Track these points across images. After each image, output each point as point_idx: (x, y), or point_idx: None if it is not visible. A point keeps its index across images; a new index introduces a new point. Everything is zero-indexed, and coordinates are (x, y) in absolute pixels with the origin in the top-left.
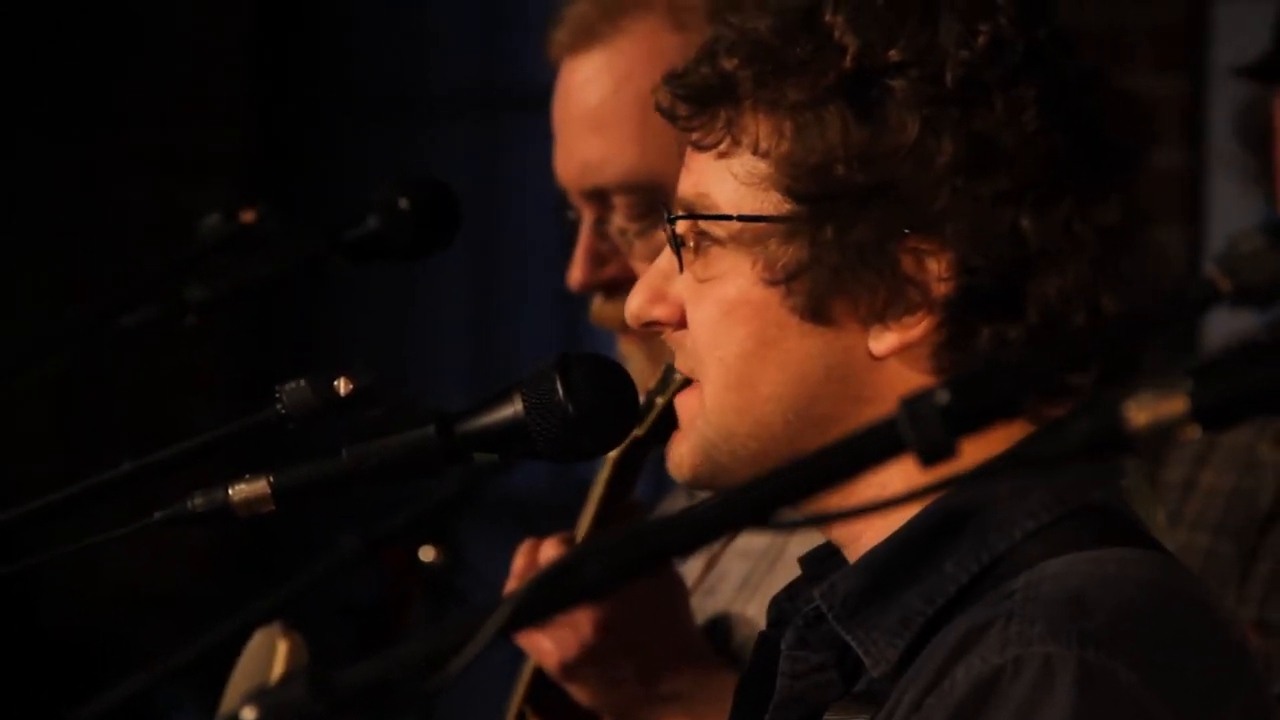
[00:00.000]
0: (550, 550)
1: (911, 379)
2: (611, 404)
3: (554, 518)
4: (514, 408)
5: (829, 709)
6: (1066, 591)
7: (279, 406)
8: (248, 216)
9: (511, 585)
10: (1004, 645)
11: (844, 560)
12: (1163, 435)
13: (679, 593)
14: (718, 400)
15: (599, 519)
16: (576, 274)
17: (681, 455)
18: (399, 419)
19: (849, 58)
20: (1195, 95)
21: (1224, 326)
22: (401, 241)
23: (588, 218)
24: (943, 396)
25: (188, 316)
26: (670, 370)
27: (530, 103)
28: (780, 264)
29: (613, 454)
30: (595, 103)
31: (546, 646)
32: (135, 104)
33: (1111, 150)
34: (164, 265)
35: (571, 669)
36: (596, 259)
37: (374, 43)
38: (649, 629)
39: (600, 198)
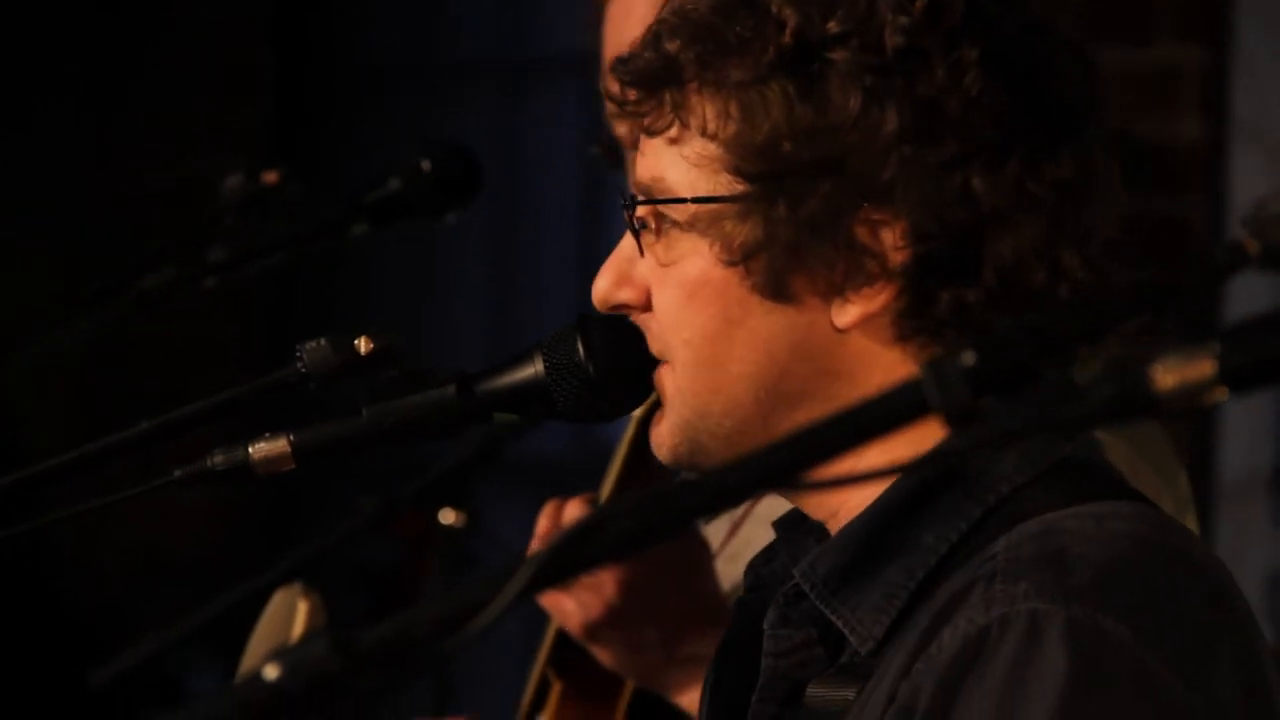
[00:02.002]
0: (574, 511)
1: (877, 349)
2: (631, 365)
3: (572, 483)
4: (534, 368)
5: (813, 682)
6: (1049, 549)
7: (299, 365)
8: (270, 178)
9: (535, 546)
10: (989, 605)
11: (819, 528)
12: (1190, 398)
13: (703, 556)
14: (689, 381)
15: (623, 479)
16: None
17: (661, 435)
18: (419, 379)
19: (788, 33)
20: (1218, 65)
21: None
22: (423, 203)
23: None
24: (969, 358)
25: (207, 279)
26: None
27: (549, 70)
28: (737, 243)
29: (638, 413)
30: None
31: (570, 608)
32: (155, 76)
33: (1060, 105)
34: (185, 230)
35: (595, 631)
36: None
37: (393, 13)
38: (673, 592)
39: None
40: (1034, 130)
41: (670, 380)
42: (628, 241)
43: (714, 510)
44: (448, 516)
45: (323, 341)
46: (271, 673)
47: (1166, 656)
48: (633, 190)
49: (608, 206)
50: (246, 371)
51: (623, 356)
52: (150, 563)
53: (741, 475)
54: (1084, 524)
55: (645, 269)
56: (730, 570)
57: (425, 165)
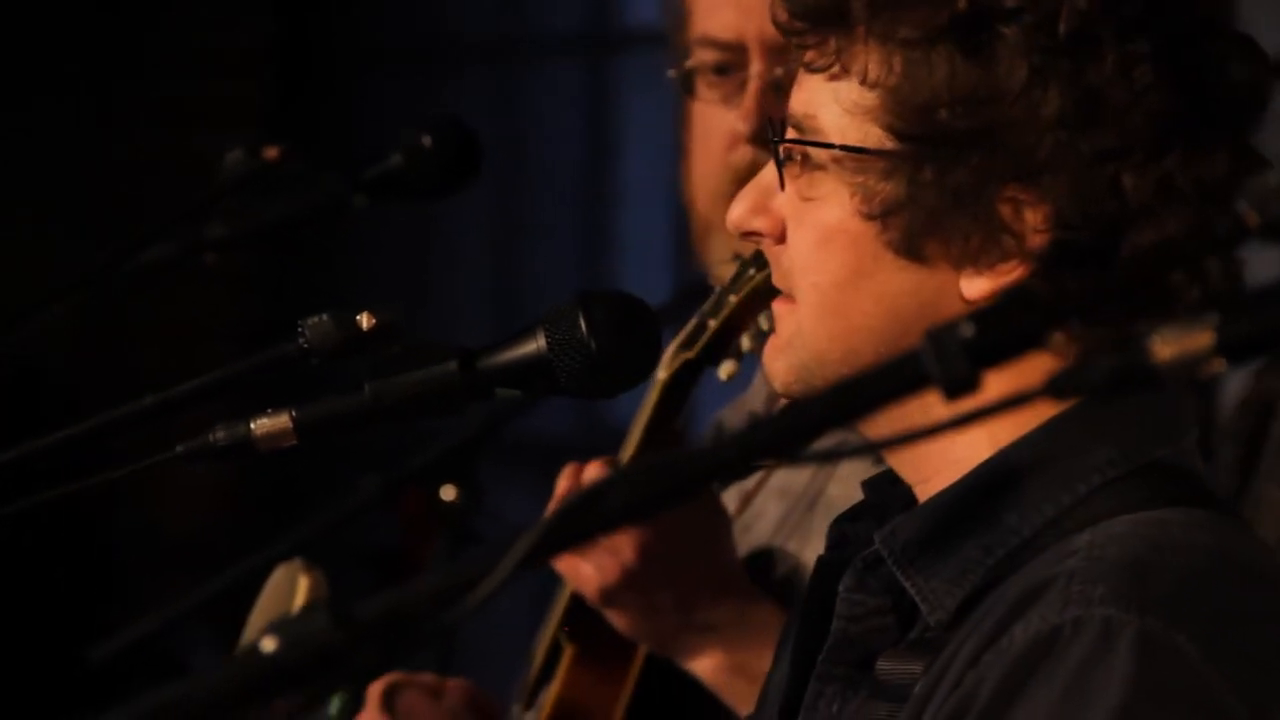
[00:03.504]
0: (593, 473)
1: None
2: (634, 340)
3: (575, 460)
4: (537, 343)
5: (883, 655)
6: (1130, 555)
7: (301, 341)
8: (271, 153)
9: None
10: (1064, 605)
11: (907, 493)
12: (1189, 369)
13: (722, 523)
14: (812, 324)
15: (645, 443)
16: (750, 122)
17: (778, 369)
18: (421, 355)
19: None
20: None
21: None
22: (423, 179)
23: (759, 70)
24: (967, 329)
25: (206, 254)
26: (724, 293)
27: (554, 48)
28: (878, 199)
29: (662, 375)
30: None
31: (587, 572)
32: (158, 53)
33: (1223, 106)
34: (185, 205)
35: (611, 595)
36: (766, 114)
37: None
38: (691, 558)
39: (785, 50)
40: (1195, 129)
41: (792, 318)
42: (769, 171)
43: (718, 478)
44: (449, 494)
45: (325, 317)
46: (270, 645)
47: (1233, 678)
48: (786, 119)
49: (609, 183)
50: (247, 348)
51: (625, 332)
52: (152, 540)
53: (748, 443)
54: (1168, 531)
55: (783, 201)
56: (743, 541)
57: (426, 141)
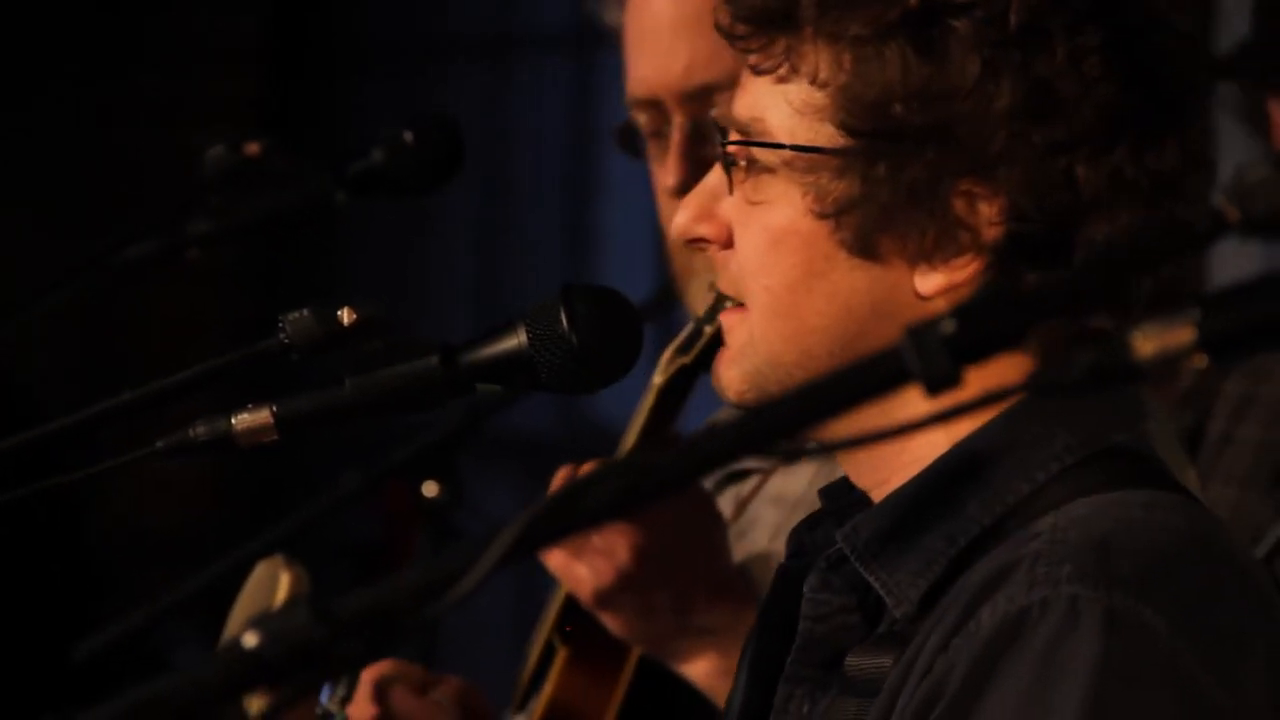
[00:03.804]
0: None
1: None
2: (616, 336)
3: (556, 456)
4: (518, 339)
5: (851, 651)
6: (1094, 535)
7: (282, 336)
8: (252, 149)
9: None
10: (1031, 586)
11: (865, 497)
12: (1169, 365)
13: (717, 527)
14: (765, 328)
15: (640, 447)
16: (675, 175)
17: (730, 379)
18: (402, 350)
19: None
20: (1202, 35)
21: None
22: (406, 175)
23: (681, 122)
24: (948, 326)
25: (190, 250)
26: (721, 300)
27: (542, 46)
28: (831, 197)
29: (657, 380)
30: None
31: (581, 574)
32: (153, 49)
33: (1172, 98)
34: (170, 202)
35: (605, 597)
36: (695, 161)
37: None
38: (686, 560)
39: (702, 98)
40: (1144, 120)
41: (743, 326)
42: (714, 176)
43: (698, 475)
44: (430, 489)
45: (305, 312)
46: (251, 640)
47: (1201, 652)
48: (727, 124)
49: (594, 180)
50: (230, 343)
51: (606, 327)
52: (133, 536)
53: (721, 442)
54: (1130, 511)
55: (730, 206)
56: (737, 548)
57: (408, 137)
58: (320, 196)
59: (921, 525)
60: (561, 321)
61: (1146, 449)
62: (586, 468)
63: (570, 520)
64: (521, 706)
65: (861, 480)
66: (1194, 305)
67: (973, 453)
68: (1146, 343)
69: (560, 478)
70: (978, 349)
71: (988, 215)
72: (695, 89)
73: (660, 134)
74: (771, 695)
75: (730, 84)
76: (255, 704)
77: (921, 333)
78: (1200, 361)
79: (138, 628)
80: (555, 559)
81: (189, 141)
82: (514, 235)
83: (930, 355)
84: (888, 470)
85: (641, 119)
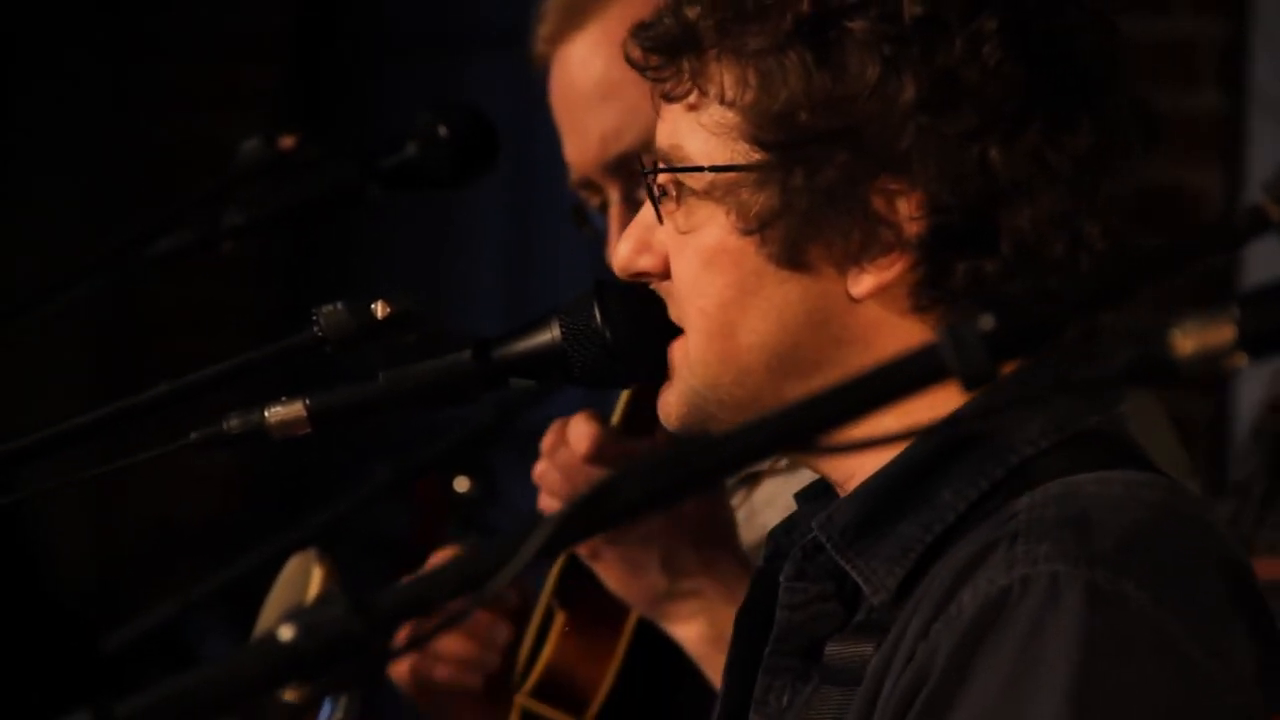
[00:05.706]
0: (580, 426)
1: (892, 319)
2: (648, 331)
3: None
4: (551, 334)
5: (831, 639)
6: (1072, 512)
7: (316, 329)
8: (287, 143)
9: (542, 464)
10: (1010, 565)
11: (836, 494)
12: (1209, 364)
13: (711, 497)
14: (701, 350)
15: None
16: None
17: (669, 404)
18: (436, 344)
19: (806, 1)
20: (1236, 36)
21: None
22: (439, 169)
23: (616, 195)
24: (987, 323)
25: (223, 243)
26: None
27: None
28: (753, 212)
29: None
30: (600, 74)
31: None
32: (174, 37)
33: (1080, 75)
34: (201, 193)
35: (597, 547)
36: None
37: None
38: (672, 519)
39: (625, 167)
40: (1053, 100)
41: (681, 351)
42: (649, 209)
43: (730, 471)
44: (462, 484)
45: (339, 306)
46: (287, 633)
47: (1187, 623)
48: (653, 157)
49: None
50: (263, 336)
51: (640, 322)
52: (165, 530)
53: (758, 436)
54: (1108, 489)
55: (665, 236)
56: (745, 529)
57: (442, 131)
58: (354, 189)
59: (897, 513)
60: (595, 316)
61: (1122, 433)
62: (577, 419)
63: (605, 515)
64: (523, 671)
65: (834, 473)
66: (1233, 303)
67: (946, 440)
68: (1187, 341)
69: (551, 432)
70: (1016, 345)
71: (907, 211)
72: (614, 160)
73: (605, 207)
74: (751, 690)
75: (650, 149)
76: (289, 696)
77: (960, 329)
78: (1240, 361)
79: (169, 620)
80: (544, 504)
81: (215, 131)
82: (545, 226)
83: (969, 352)
84: (856, 463)
85: (585, 196)
